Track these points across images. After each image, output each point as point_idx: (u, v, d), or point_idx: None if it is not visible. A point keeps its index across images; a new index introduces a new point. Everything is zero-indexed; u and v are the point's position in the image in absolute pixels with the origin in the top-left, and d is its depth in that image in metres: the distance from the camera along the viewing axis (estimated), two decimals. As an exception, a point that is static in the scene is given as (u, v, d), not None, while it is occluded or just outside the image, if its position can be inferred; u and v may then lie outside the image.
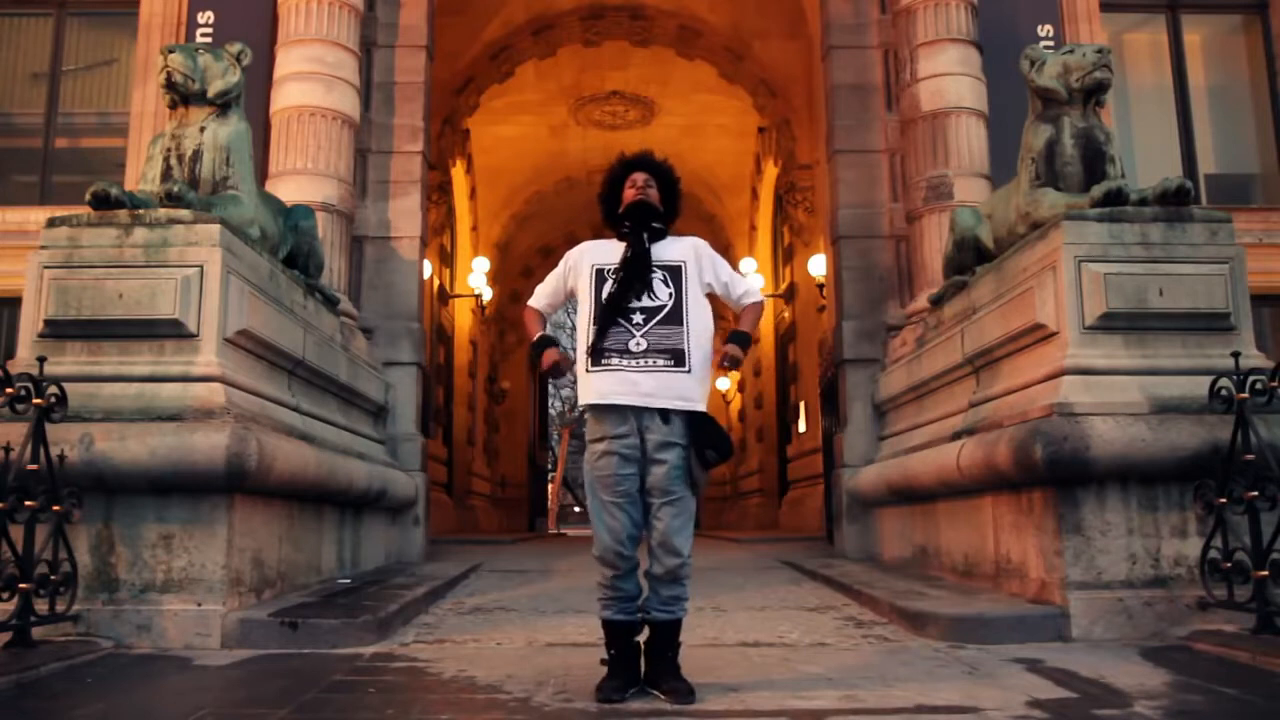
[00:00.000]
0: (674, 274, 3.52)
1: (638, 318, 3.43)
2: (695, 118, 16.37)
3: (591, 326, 3.46)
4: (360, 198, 8.47)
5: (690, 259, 3.57)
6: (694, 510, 3.49)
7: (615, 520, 3.38)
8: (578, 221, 20.91)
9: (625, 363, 3.39)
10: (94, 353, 4.76)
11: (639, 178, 3.72)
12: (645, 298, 3.46)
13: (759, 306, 3.73)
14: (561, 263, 3.73)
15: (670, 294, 3.48)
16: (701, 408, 3.43)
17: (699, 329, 3.46)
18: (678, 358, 3.40)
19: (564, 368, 3.55)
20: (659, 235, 3.62)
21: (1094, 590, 4.48)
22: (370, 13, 8.70)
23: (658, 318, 3.44)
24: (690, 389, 3.40)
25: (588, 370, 3.44)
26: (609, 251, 3.62)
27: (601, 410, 3.42)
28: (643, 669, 3.42)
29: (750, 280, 3.80)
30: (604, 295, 3.49)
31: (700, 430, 3.40)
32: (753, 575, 7.04)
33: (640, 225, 3.60)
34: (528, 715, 3.14)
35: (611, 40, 14.01)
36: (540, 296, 3.79)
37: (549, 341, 3.63)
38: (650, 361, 3.38)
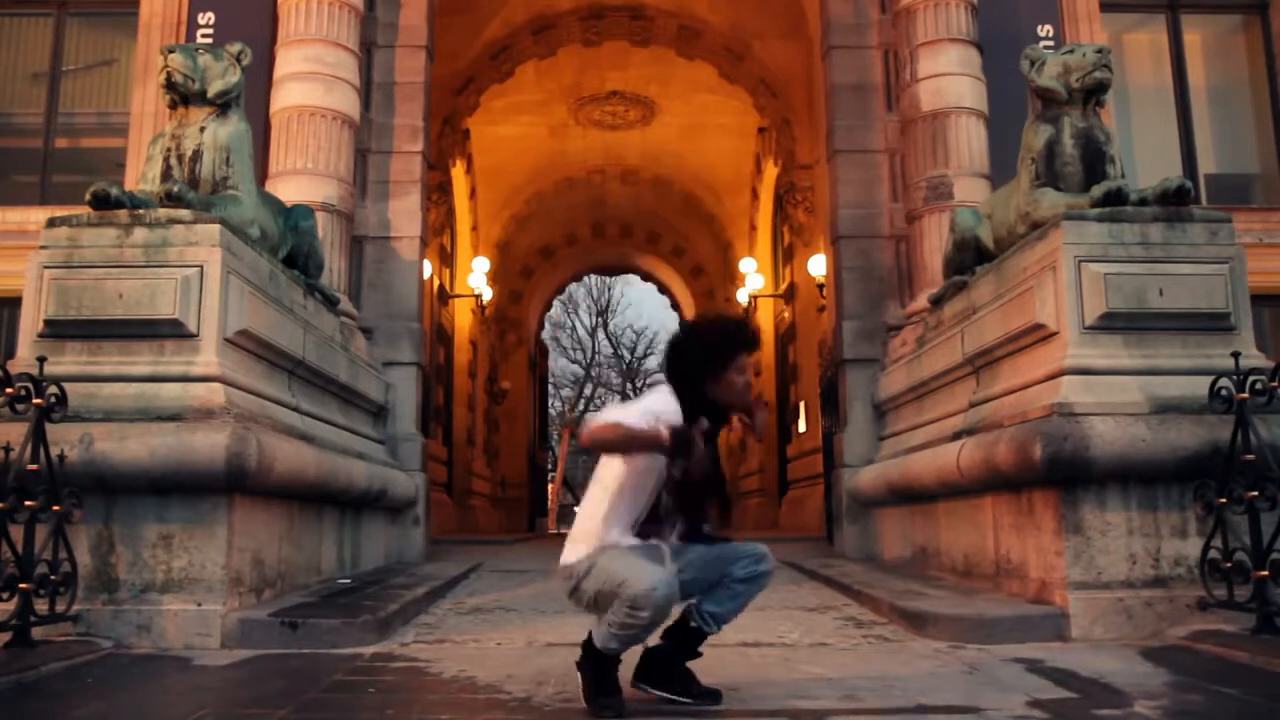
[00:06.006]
0: None
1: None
2: (695, 118, 16.37)
3: (647, 511, 3.18)
4: (360, 198, 8.47)
5: None
6: None
7: (663, 564, 3.06)
8: (578, 221, 20.96)
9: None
10: (94, 353, 4.75)
11: (749, 362, 3.25)
12: None
13: None
14: (661, 412, 3.07)
15: None
16: None
17: None
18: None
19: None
20: None
21: (1094, 590, 4.48)
22: (370, 13, 8.70)
23: None
24: None
25: (621, 536, 3.15)
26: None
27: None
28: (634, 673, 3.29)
29: None
30: (670, 498, 3.18)
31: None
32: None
33: (726, 421, 3.27)
34: (528, 715, 3.15)
35: (611, 40, 14.01)
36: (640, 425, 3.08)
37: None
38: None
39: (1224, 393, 4.33)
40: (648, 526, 3.21)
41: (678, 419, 3.06)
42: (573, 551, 3.20)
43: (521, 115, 16.08)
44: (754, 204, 17.67)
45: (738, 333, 3.26)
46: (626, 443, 3.03)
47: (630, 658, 3.23)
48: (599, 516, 3.17)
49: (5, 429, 4.03)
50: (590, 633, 3.16)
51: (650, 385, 3.26)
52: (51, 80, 9.91)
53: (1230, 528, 4.16)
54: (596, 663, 3.16)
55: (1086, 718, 3.07)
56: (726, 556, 3.23)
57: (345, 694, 3.50)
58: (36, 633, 3.96)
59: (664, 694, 3.24)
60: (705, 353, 3.18)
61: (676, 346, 3.28)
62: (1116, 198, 5.12)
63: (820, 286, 12.21)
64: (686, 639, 3.28)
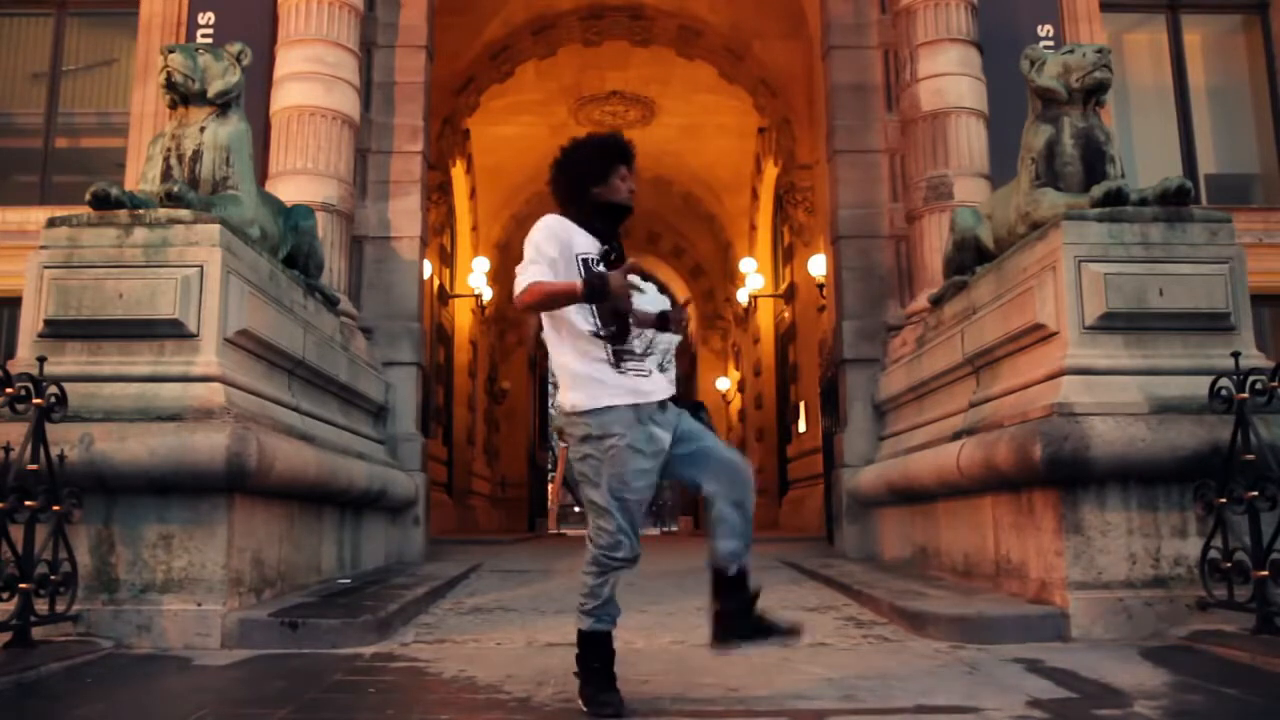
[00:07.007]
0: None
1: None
2: (695, 118, 16.37)
3: (609, 324, 3.20)
4: (360, 198, 8.47)
5: None
6: None
7: (632, 517, 3.17)
8: (578, 221, 20.97)
9: (635, 364, 3.22)
10: (94, 353, 4.75)
11: (629, 173, 3.40)
12: None
13: None
14: (548, 238, 3.23)
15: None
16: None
17: None
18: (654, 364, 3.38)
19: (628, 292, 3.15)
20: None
21: (1094, 590, 4.48)
22: (370, 13, 8.70)
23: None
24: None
25: (613, 369, 3.17)
26: (582, 237, 3.27)
27: (612, 411, 3.16)
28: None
29: None
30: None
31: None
32: (753, 575, 7.03)
33: (617, 230, 3.39)
34: (527, 715, 3.15)
35: (611, 40, 14.02)
36: (543, 269, 3.17)
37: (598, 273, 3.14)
38: (649, 367, 3.29)
39: (1224, 393, 4.33)
40: (621, 352, 3.21)
41: (576, 238, 3.24)
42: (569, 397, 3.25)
43: (521, 115, 16.09)
44: (754, 204, 17.68)
45: (614, 146, 3.39)
46: (551, 300, 3.18)
47: (635, 658, 3.23)
48: (575, 362, 3.22)
49: (5, 429, 4.02)
50: (578, 630, 3.21)
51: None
52: (51, 80, 9.92)
53: (1230, 528, 4.16)
54: (595, 654, 3.18)
55: (1086, 718, 3.07)
56: (701, 464, 3.23)
57: (345, 694, 3.50)
58: (36, 633, 3.96)
59: (756, 643, 3.28)
60: (587, 166, 3.36)
61: (560, 165, 3.42)
62: (1116, 198, 5.12)
63: (820, 286, 12.22)
64: (733, 583, 3.29)
